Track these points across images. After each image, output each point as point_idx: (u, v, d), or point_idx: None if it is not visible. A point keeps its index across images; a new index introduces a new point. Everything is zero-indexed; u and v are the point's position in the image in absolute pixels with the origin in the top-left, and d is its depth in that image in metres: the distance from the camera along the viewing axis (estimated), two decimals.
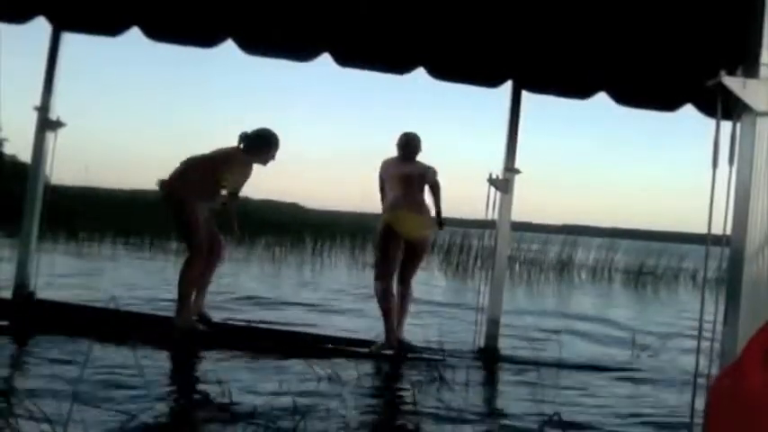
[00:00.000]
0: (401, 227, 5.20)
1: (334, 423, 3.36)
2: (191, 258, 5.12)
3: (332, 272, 12.50)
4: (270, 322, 5.87)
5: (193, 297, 5.22)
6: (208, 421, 3.28)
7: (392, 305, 5.20)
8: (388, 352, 5.09)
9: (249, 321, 5.70)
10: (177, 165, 5.23)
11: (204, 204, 5.16)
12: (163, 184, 5.20)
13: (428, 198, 5.32)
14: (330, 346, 5.14)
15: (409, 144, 5.38)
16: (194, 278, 5.13)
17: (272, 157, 5.36)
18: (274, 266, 12.61)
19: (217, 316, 5.59)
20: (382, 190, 5.46)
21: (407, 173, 5.29)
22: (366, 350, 5.10)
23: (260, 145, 5.30)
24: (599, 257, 15.81)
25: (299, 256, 14.80)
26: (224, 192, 5.30)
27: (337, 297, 8.50)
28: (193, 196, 5.07)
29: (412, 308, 5.57)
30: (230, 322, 5.61)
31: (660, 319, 8.97)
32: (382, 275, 5.23)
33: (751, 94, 2.08)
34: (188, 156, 5.27)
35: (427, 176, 5.27)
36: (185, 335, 4.98)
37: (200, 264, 5.12)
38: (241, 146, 5.29)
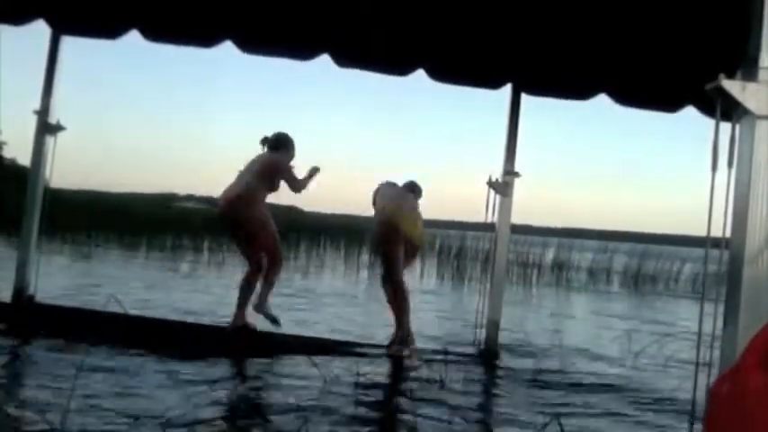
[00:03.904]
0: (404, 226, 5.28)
1: (335, 424, 3.36)
2: (278, 263, 5.34)
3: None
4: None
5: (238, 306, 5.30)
6: (214, 423, 3.27)
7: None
8: (405, 353, 5.15)
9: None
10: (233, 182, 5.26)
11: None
12: (226, 204, 5.21)
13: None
14: (335, 348, 5.13)
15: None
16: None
17: (293, 157, 5.41)
18: None
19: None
20: None
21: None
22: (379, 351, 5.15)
23: (285, 147, 5.37)
24: (598, 260, 15.81)
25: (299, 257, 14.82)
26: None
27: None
28: (262, 208, 5.20)
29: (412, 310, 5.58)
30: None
31: (659, 321, 8.96)
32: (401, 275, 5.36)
33: (750, 98, 2.08)
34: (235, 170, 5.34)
35: None
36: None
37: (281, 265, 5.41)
38: (265, 149, 5.36)
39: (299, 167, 5.34)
